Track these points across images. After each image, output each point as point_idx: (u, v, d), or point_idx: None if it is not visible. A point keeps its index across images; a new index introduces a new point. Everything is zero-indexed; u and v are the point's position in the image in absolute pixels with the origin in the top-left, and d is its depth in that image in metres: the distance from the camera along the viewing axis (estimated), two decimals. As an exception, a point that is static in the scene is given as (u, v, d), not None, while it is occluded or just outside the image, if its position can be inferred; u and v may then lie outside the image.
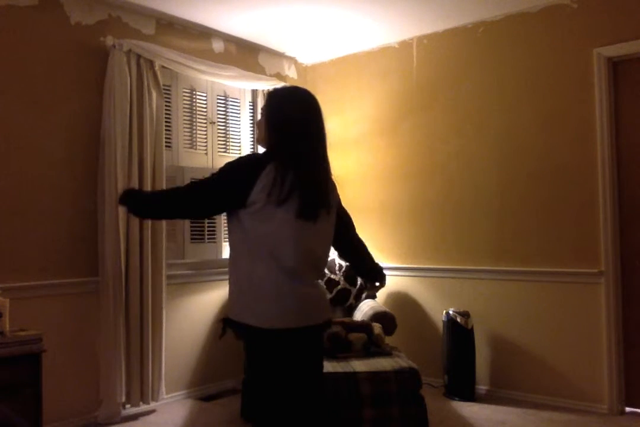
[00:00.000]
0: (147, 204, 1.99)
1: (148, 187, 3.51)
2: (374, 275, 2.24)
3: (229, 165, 1.88)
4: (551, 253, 3.64)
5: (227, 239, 4.15)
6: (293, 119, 1.90)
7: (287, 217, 1.80)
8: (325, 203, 1.91)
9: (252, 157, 2.01)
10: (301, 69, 4.82)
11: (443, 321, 3.84)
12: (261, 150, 1.98)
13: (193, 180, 1.90)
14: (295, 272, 1.83)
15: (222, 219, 4.14)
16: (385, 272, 4.15)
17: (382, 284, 2.25)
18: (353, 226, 2.27)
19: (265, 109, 1.95)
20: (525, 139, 3.76)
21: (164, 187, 3.62)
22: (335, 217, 2.04)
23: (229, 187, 1.83)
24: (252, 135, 4.40)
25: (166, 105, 3.76)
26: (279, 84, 4.39)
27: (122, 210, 3.37)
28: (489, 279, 3.87)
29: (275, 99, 1.96)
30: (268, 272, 1.81)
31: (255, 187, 1.78)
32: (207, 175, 1.92)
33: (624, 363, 3.44)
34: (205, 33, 4.06)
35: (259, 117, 2.05)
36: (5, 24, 3.10)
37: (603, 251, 3.46)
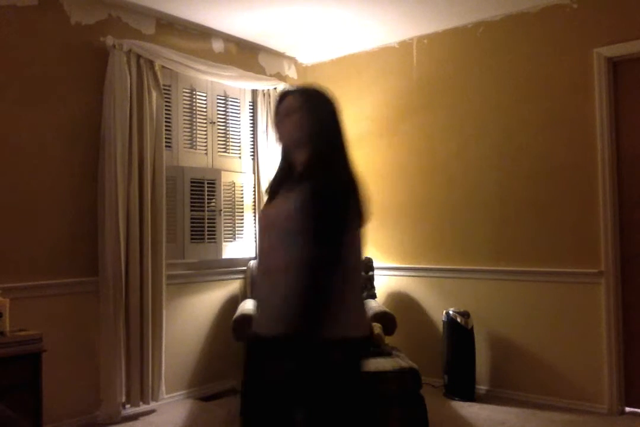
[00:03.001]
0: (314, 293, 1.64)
1: (148, 187, 3.51)
2: None
3: (333, 205, 1.68)
4: (551, 253, 3.64)
5: (227, 239, 4.17)
6: (339, 120, 1.83)
7: (356, 228, 1.82)
8: None
9: (341, 182, 1.76)
10: (301, 69, 4.82)
11: (443, 321, 3.84)
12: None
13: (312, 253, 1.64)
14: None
15: (222, 219, 4.14)
16: (385, 272, 4.05)
17: None
18: None
19: (307, 107, 1.80)
20: (525, 138, 3.76)
21: (164, 187, 3.62)
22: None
23: (346, 224, 1.71)
24: (251, 135, 4.40)
25: (166, 105, 3.76)
26: (279, 84, 4.40)
27: (122, 211, 3.37)
28: (489, 279, 3.87)
29: (315, 96, 1.85)
30: (355, 287, 1.84)
31: (351, 208, 1.77)
32: (312, 227, 1.65)
33: (624, 363, 3.44)
34: (205, 33, 4.06)
35: (280, 117, 1.87)
36: (5, 24, 3.10)
37: (603, 251, 3.46)
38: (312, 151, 1.78)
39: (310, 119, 1.79)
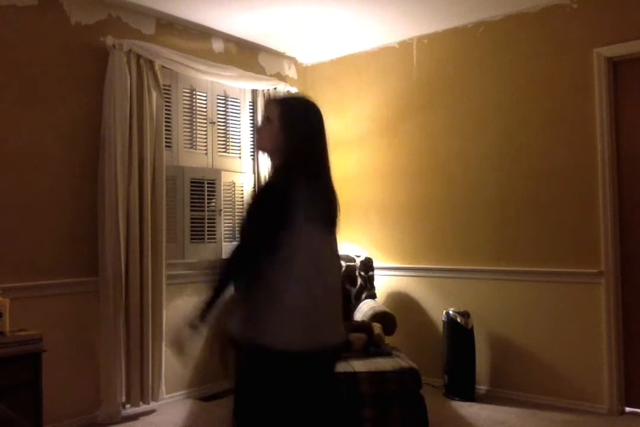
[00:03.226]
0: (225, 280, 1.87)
1: (148, 187, 3.51)
2: None
3: (265, 203, 1.79)
4: (551, 253, 3.64)
5: (227, 239, 4.17)
6: (315, 130, 1.88)
7: (316, 235, 1.80)
8: (338, 217, 1.92)
9: (280, 187, 1.82)
10: (301, 69, 4.82)
11: (443, 321, 3.83)
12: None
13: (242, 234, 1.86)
14: (327, 289, 1.82)
15: (222, 219, 4.14)
16: (385, 272, 4.13)
17: None
18: None
19: (284, 117, 1.86)
20: (525, 138, 3.76)
21: (164, 187, 3.62)
22: None
23: (276, 222, 1.76)
24: (252, 136, 4.40)
25: (166, 105, 3.76)
26: (279, 84, 4.40)
27: (122, 211, 3.37)
28: (489, 279, 3.87)
29: (294, 108, 1.90)
30: (301, 292, 1.76)
31: (292, 213, 1.75)
32: (247, 216, 1.82)
33: (624, 363, 3.44)
34: (205, 33, 4.06)
35: (262, 122, 1.96)
36: (5, 24, 3.10)
37: (603, 251, 3.46)
38: (283, 160, 1.85)
39: (285, 130, 1.85)
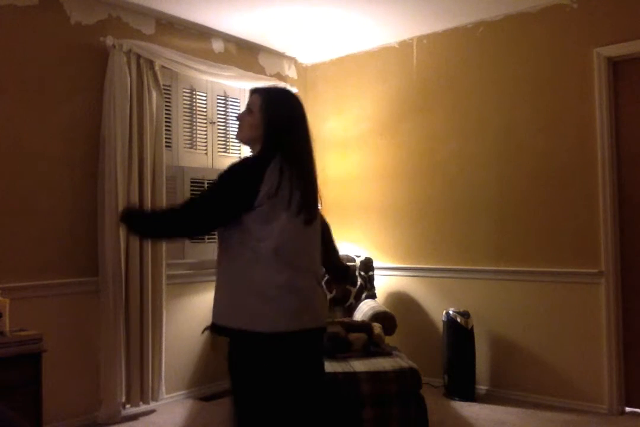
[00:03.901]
0: (152, 222, 1.92)
1: (148, 187, 3.51)
2: (344, 274, 2.27)
3: (232, 171, 1.83)
4: (551, 253, 3.64)
5: (227, 239, 4.16)
6: (295, 122, 1.90)
7: (289, 219, 1.80)
8: (317, 206, 1.93)
9: (253, 161, 1.90)
10: (301, 69, 4.82)
11: (443, 321, 3.83)
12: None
13: (192, 196, 1.89)
14: (300, 271, 1.83)
15: (222, 219, 4.14)
16: (385, 272, 4.17)
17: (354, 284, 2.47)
18: (330, 231, 2.22)
19: (265, 108, 1.90)
20: (525, 138, 3.76)
21: (164, 187, 3.62)
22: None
23: (237, 194, 1.78)
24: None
25: (166, 105, 3.76)
26: (279, 84, 4.39)
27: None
28: (489, 279, 3.88)
29: (276, 99, 1.93)
30: (271, 273, 1.78)
31: (260, 191, 1.75)
32: (207, 186, 1.90)
33: (624, 363, 3.44)
34: (205, 33, 4.06)
35: (243, 113, 2.01)
36: (5, 24, 3.10)
37: (603, 251, 3.46)
38: (260, 149, 1.90)
39: (264, 121, 1.88)
